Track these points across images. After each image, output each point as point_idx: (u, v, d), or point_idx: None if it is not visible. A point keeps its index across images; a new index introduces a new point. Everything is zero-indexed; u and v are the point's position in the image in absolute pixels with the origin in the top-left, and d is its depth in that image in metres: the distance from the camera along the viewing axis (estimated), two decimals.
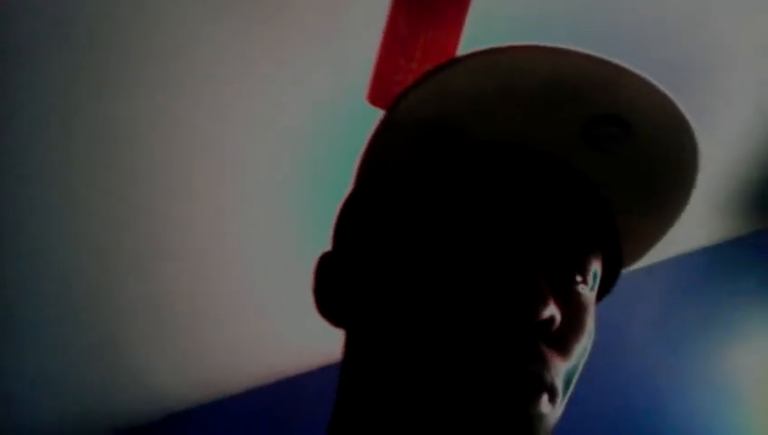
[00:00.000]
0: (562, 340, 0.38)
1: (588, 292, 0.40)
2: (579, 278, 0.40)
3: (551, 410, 0.36)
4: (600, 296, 0.47)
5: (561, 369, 0.37)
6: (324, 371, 1.57)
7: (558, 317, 0.36)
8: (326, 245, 0.48)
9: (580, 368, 0.40)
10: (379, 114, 0.43)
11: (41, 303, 1.40)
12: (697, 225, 1.60)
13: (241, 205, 1.32)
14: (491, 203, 0.39)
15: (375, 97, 1.03)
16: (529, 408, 0.35)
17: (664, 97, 0.37)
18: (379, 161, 0.44)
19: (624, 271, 0.46)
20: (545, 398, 0.35)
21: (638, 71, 0.37)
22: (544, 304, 0.35)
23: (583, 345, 0.39)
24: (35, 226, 1.27)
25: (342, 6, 1.04)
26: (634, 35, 1.12)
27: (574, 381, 0.39)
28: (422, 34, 1.02)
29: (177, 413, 1.65)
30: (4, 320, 1.41)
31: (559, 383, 0.37)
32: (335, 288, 0.46)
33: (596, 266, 0.41)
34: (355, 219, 0.45)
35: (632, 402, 1.47)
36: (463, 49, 0.90)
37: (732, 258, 1.65)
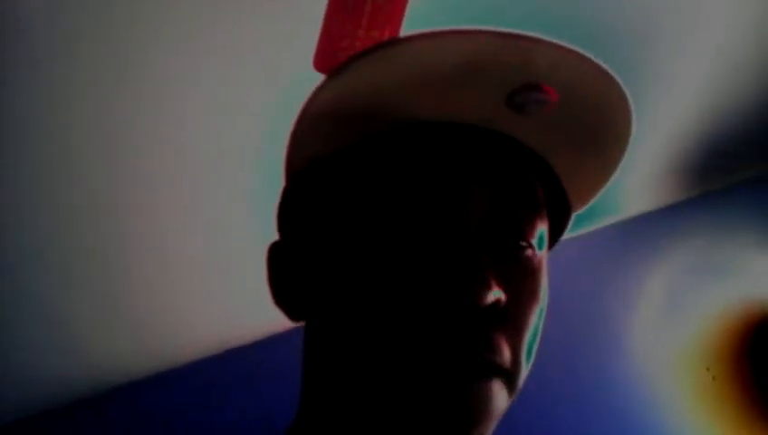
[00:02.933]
0: (515, 315, 0.38)
1: (537, 254, 0.41)
2: (524, 244, 0.40)
3: (506, 394, 0.37)
4: (552, 243, 0.48)
5: (518, 345, 0.38)
6: (274, 339, 1.57)
7: (503, 298, 0.36)
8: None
9: (539, 331, 0.41)
10: None
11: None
12: (640, 190, 1.64)
13: (192, 173, 1.28)
14: (423, 186, 0.39)
15: (321, 64, 1.02)
16: (482, 394, 0.35)
17: (581, 58, 0.37)
18: (307, 150, 0.44)
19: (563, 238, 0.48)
20: (498, 383, 0.36)
21: (550, 39, 0.37)
22: (487, 289, 0.35)
23: (537, 311, 0.40)
24: None
25: None
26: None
27: (535, 347, 0.40)
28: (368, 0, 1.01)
29: (122, 386, 1.62)
30: None
31: (516, 362, 0.37)
32: (284, 279, 0.46)
33: (541, 228, 0.42)
34: (293, 210, 0.46)
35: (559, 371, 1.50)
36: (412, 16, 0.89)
37: (671, 224, 1.71)
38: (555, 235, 0.48)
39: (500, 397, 0.36)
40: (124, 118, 1.15)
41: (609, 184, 0.46)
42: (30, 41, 1.00)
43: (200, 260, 1.44)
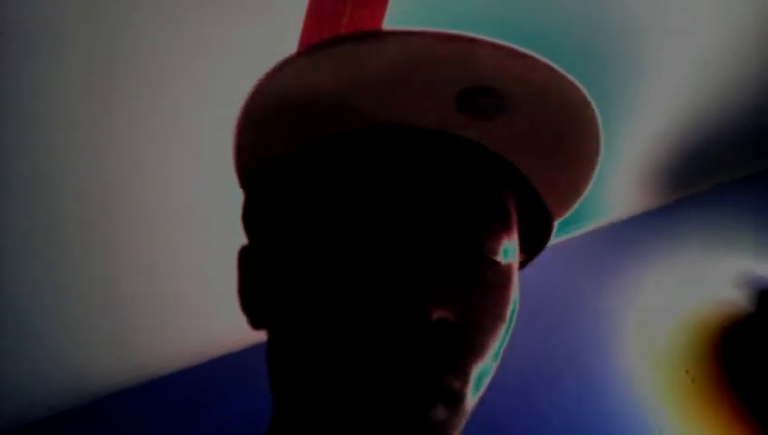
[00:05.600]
0: (469, 334, 0.36)
1: (502, 266, 0.39)
2: (485, 257, 0.38)
3: (450, 415, 0.35)
4: (532, 255, 0.48)
5: (467, 367, 0.35)
6: (255, 349, 1.55)
7: (450, 316, 0.34)
8: None
9: (498, 351, 0.38)
10: None
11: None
12: (622, 195, 1.65)
13: (185, 180, 1.28)
14: (374, 195, 0.37)
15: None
16: (422, 418, 0.33)
17: (531, 60, 0.35)
18: (254, 151, 0.42)
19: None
20: (441, 408, 0.34)
21: (494, 40, 0.35)
22: (430, 306, 0.33)
23: (498, 331, 0.38)
24: None
25: None
26: None
27: (490, 369, 0.38)
28: (346, 10, 1.02)
29: (104, 396, 1.60)
30: None
31: (463, 385, 0.35)
32: (249, 284, 0.45)
33: (506, 239, 0.40)
34: (253, 215, 0.45)
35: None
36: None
37: (649, 230, 1.73)
38: (536, 243, 0.47)
39: (442, 422, 0.34)
40: (115, 126, 1.15)
41: (588, 190, 0.44)
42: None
43: (188, 269, 1.44)
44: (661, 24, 1.28)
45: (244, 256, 0.46)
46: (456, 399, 0.35)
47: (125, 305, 1.46)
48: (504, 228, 0.40)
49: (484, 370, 0.37)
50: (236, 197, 0.47)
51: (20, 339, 1.44)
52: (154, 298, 1.48)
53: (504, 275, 0.39)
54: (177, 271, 1.44)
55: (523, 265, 0.48)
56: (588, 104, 0.38)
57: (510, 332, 0.39)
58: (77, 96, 1.08)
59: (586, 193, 0.45)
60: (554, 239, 0.48)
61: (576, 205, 0.46)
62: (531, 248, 0.47)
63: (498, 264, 0.39)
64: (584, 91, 0.38)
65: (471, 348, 0.36)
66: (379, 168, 0.38)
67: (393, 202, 0.37)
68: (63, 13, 0.97)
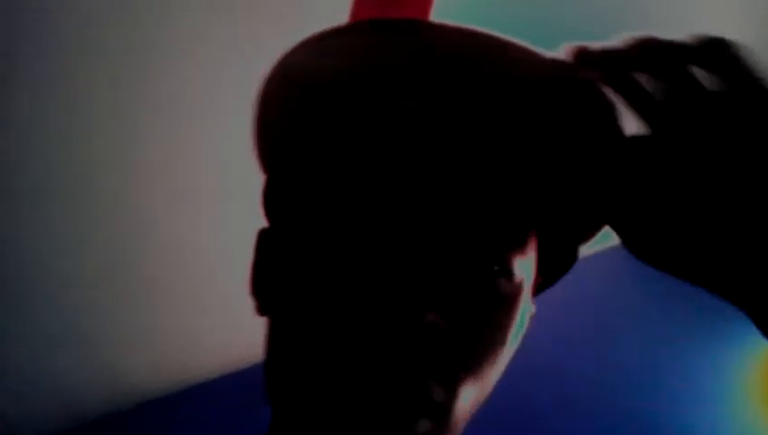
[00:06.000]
0: (460, 344, 0.35)
1: (507, 283, 0.37)
2: (494, 270, 0.37)
3: (434, 429, 0.34)
4: (557, 275, 0.46)
5: (456, 379, 0.35)
6: None
7: (443, 323, 0.34)
8: None
9: (494, 367, 0.37)
10: None
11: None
12: None
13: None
14: (392, 189, 0.36)
15: None
16: (406, 431, 0.32)
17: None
18: (272, 131, 0.43)
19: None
20: (425, 421, 0.33)
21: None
22: (426, 307, 0.33)
23: (496, 346, 0.37)
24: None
25: None
26: None
27: (481, 390, 0.37)
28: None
29: (149, 401, 1.62)
30: None
31: (452, 397, 0.34)
32: (263, 268, 0.44)
33: (518, 257, 0.38)
34: (273, 198, 0.44)
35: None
36: None
37: None
38: (558, 268, 0.45)
39: (428, 430, 0.33)
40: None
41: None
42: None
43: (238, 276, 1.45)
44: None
45: (261, 239, 0.45)
46: (442, 412, 0.34)
47: (162, 310, 1.49)
48: (518, 246, 0.38)
49: (474, 388, 0.36)
50: None
51: (61, 346, 1.48)
52: (202, 300, 1.50)
53: (509, 293, 0.38)
54: (228, 276, 1.46)
55: (542, 287, 0.46)
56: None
57: (510, 356, 0.38)
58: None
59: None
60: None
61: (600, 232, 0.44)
62: (552, 272, 0.46)
63: (505, 281, 0.37)
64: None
65: (461, 360, 0.35)
66: (401, 163, 0.37)
67: (409, 202, 0.36)
68: None
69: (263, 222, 0.46)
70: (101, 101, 1.15)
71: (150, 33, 1.09)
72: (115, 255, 1.36)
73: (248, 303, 0.42)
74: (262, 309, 0.43)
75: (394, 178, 0.36)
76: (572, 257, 0.45)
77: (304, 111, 0.40)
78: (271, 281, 0.42)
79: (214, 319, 1.54)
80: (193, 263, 1.42)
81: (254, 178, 0.49)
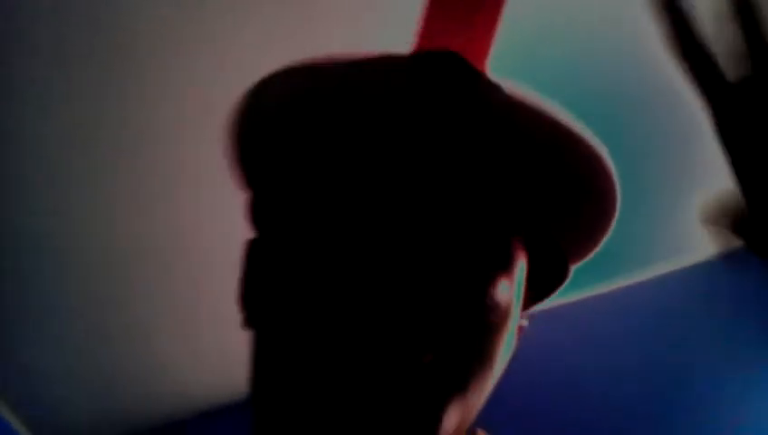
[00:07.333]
0: (452, 374, 0.35)
1: (499, 311, 0.37)
2: (480, 298, 0.37)
3: None
4: (547, 292, 0.46)
5: (447, 407, 0.35)
6: None
7: (428, 357, 0.34)
8: None
9: (481, 394, 0.37)
10: None
11: (43, 295, 1.40)
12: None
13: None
14: (377, 212, 0.36)
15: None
16: None
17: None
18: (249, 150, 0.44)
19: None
20: None
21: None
22: (408, 346, 0.33)
23: (484, 373, 0.37)
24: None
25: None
26: None
27: (474, 407, 0.37)
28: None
29: (200, 414, 1.65)
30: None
31: (439, 421, 0.34)
32: (250, 277, 0.44)
33: (505, 281, 0.38)
34: (259, 209, 0.45)
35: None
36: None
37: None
38: (551, 283, 0.45)
39: None
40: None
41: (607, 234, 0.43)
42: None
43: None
44: None
45: (249, 249, 0.45)
46: (432, 427, 0.34)
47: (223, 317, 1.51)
48: (504, 272, 0.38)
49: (461, 409, 0.36)
50: None
51: (132, 356, 1.52)
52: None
53: (497, 322, 0.38)
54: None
55: (536, 300, 0.46)
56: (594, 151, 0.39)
57: (499, 373, 0.38)
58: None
59: (606, 237, 0.43)
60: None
61: (596, 248, 0.44)
62: (544, 288, 0.46)
63: (492, 312, 0.37)
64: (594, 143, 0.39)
65: (449, 387, 0.35)
66: (386, 187, 0.37)
67: (394, 230, 0.36)
68: None
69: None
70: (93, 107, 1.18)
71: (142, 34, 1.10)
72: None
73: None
74: (249, 320, 0.43)
75: (384, 205, 0.37)
76: (564, 270, 0.44)
77: (284, 129, 0.41)
78: (259, 291, 0.42)
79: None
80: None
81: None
